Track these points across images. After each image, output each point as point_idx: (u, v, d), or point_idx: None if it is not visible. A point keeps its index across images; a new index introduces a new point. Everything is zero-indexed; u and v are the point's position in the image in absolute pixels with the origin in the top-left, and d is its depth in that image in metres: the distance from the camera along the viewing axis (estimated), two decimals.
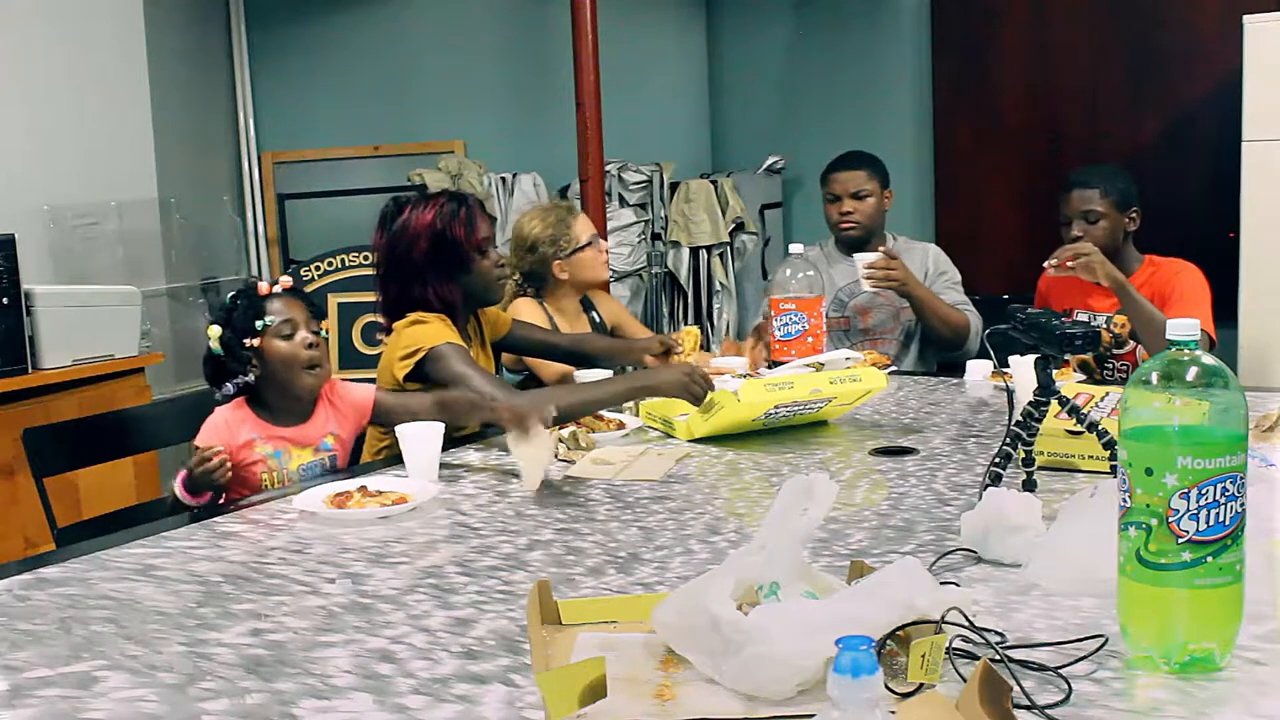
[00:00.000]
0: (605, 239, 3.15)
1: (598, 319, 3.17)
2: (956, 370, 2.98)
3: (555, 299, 3.05)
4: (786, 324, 2.77)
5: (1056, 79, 4.71)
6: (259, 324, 2.20)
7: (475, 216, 2.51)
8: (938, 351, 3.38)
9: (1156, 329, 2.87)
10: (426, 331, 2.38)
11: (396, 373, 2.39)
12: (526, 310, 2.97)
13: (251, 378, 2.22)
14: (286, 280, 2.31)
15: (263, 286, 2.27)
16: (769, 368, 2.87)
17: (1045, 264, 2.94)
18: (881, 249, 3.19)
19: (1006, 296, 3.34)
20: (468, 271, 2.49)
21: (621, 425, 2.40)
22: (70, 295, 3.60)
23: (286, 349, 2.21)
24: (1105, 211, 3.08)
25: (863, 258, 3.14)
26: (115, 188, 4.20)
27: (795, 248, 2.95)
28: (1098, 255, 2.90)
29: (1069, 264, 2.89)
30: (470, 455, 2.25)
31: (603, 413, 2.47)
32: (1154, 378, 1.12)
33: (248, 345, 2.20)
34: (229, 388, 2.22)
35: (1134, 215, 3.12)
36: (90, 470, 2.62)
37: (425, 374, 2.36)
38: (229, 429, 2.19)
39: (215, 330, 2.21)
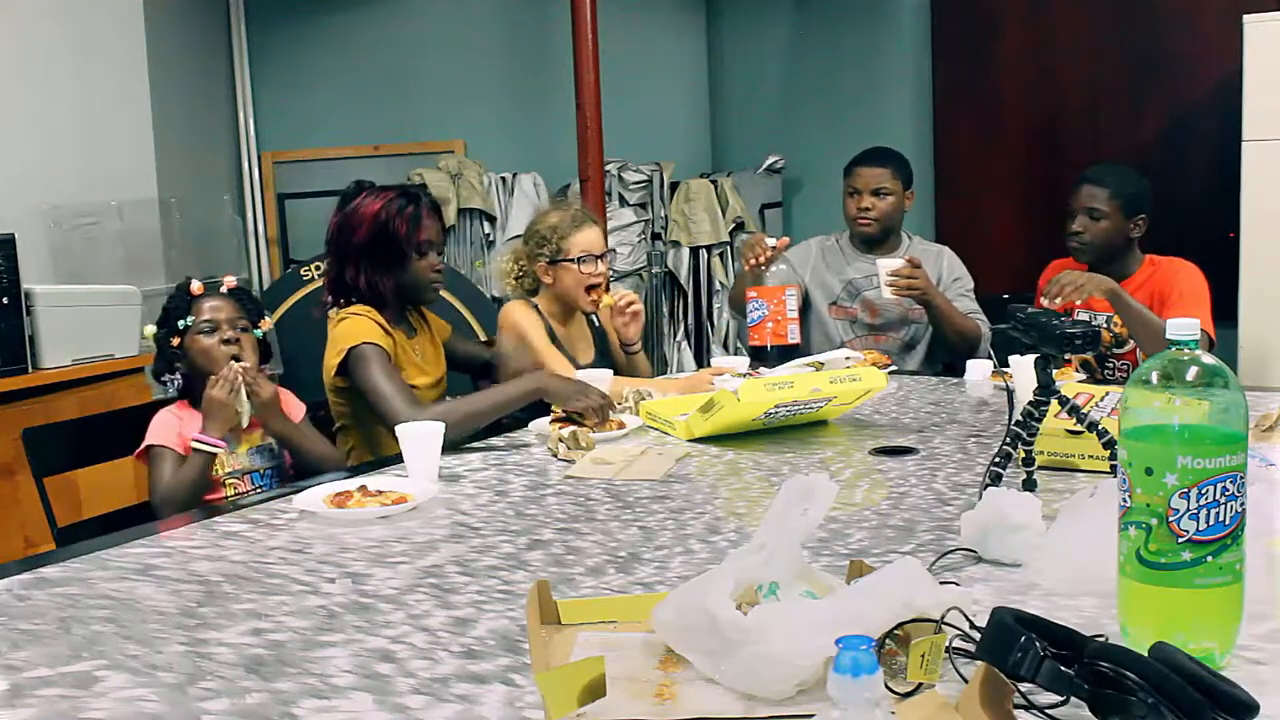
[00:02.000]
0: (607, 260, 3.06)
1: (596, 322, 3.15)
2: (956, 370, 2.98)
3: (546, 303, 3.00)
4: (751, 311, 2.95)
5: (1056, 79, 4.71)
6: (181, 324, 2.36)
7: (422, 216, 2.54)
8: (945, 353, 3.38)
9: (1153, 333, 2.87)
10: (353, 329, 2.44)
11: (330, 366, 2.47)
12: (518, 313, 2.92)
13: (178, 376, 2.39)
14: (230, 280, 2.48)
15: (195, 286, 2.41)
16: (749, 354, 3.01)
17: (1043, 300, 2.91)
18: (907, 257, 3.16)
19: (1006, 296, 3.34)
20: (402, 268, 2.53)
21: (622, 425, 2.40)
22: (70, 295, 3.60)
23: (204, 346, 2.35)
24: (1109, 211, 3.08)
25: (886, 264, 3.13)
26: (115, 188, 4.20)
27: (770, 240, 2.99)
28: (1089, 283, 2.87)
29: (1071, 301, 2.89)
30: (470, 455, 2.25)
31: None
32: (1154, 377, 1.12)
33: (174, 344, 2.36)
34: (169, 384, 2.38)
35: (1140, 222, 3.12)
36: (90, 470, 2.62)
37: (348, 371, 2.43)
38: (179, 423, 2.31)
39: (150, 329, 2.39)
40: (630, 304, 2.98)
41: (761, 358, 2.93)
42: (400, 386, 2.37)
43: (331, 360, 2.45)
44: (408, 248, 2.52)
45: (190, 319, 2.36)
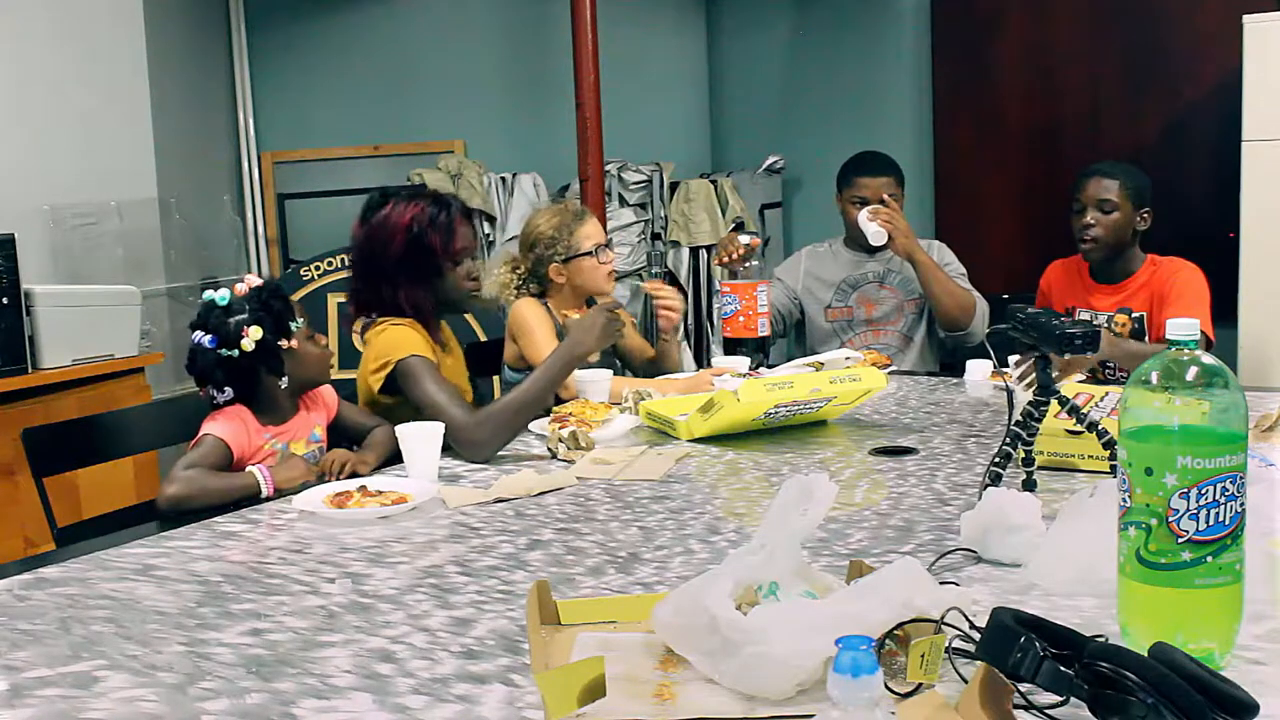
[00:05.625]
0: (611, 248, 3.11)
1: None
2: (956, 370, 2.99)
3: (558, 302, 3.03)
4: (725, 305, 3.08)
5: (1056, 79, 4.70)
6: (293, 325, 2.23)
7: (455, 224, 2.47)
8: (941, 345, 3.39)
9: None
10: (395, 341, 2.36)
11: (371, 384, 2.39)
12: (529, 311, 2.95)
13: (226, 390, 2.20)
14: (252, 280, 2.33)
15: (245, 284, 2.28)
16: (721, 345, 3.13)
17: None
18: (885, 196, 3.30)
19: (1006, 296, 3.34)
20: (440, 279, 2.46)
21: (609, 408, 2.45)
22: (70, 295, 3.60)
23: (318, 352, 2.29)
24: (1120, 203, 3.09)
25: (867, 210, 3.27)
26: (115, 188, 4.19)
27: (743, 238, 3.07)
28: (1073, 365, 2.71)
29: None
30: None
31: (599, 401, 2.53)
32: (1154, 378, 1.12)
33: (284, 346, 2.21)
34: (228, 391, 2.20)
35: (1145, 215, 3.13)
36: (90, 470, 2.62)
37: (396, 386, 2.35)
38: (248, 432, 2.20)
39: (256, 330, 2.16)
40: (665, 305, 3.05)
41: (733, 348, 3.06)
42: (454, 394, 2.28)
43: (374, 375, 2.36)
44: (444, 259, 2.45)
45: (300, 320, 2.25)
